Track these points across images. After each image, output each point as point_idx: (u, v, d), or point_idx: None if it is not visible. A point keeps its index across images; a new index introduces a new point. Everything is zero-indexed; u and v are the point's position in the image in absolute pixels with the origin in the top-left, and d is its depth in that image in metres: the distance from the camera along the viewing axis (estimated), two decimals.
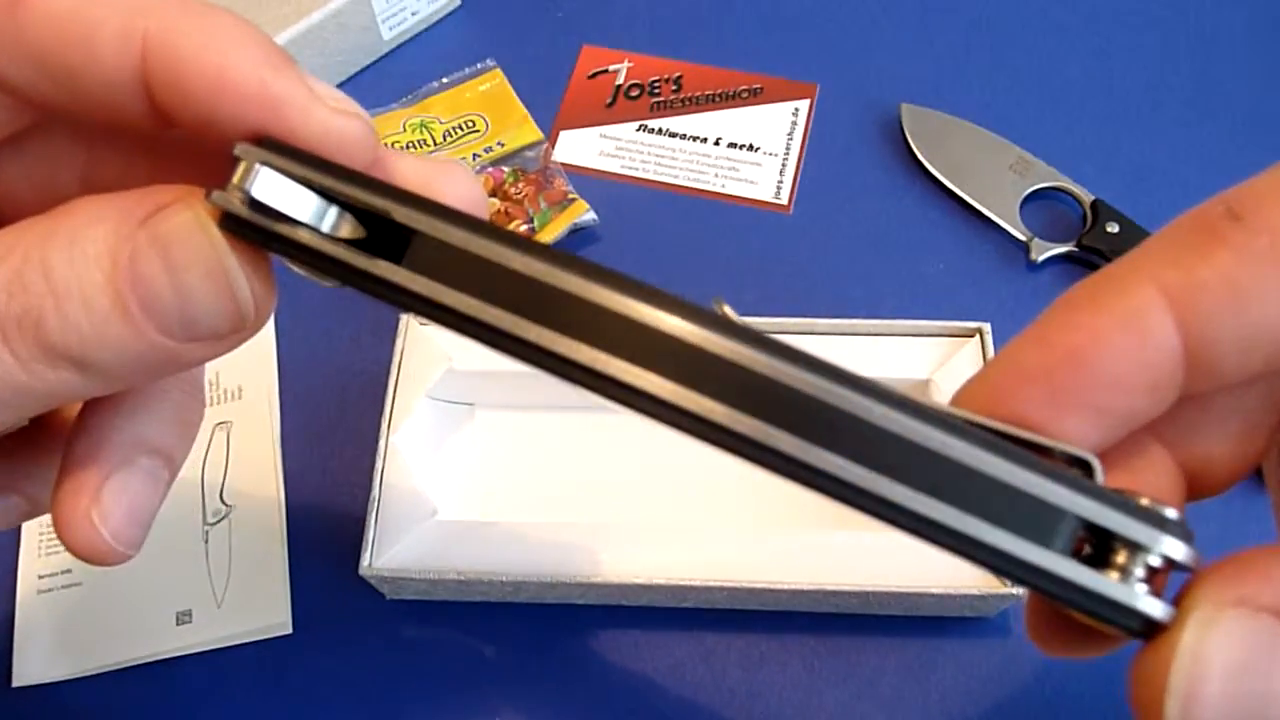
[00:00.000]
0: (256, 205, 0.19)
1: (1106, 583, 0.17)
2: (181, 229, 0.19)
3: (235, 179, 0.19)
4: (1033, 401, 0.18)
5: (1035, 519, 0.17)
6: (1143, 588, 0.17)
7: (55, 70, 0.19)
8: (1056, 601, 0.17)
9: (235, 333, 0.20)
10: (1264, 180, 0.17)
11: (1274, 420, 0.19)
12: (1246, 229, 0.17)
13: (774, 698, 0.38)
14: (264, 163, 0.18)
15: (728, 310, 0.17)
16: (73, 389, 0.20)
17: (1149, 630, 0.17)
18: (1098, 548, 0.17)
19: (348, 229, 0.19)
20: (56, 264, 0.19)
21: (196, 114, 0.19)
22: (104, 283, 0.19)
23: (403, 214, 0.18)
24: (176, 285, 0.19)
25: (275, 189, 0.18)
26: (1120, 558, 0.17)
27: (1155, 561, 0.17)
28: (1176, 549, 0.17)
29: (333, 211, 0.19)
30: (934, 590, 0.36)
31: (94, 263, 0.19)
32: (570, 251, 0.18)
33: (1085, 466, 0.18)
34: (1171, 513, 0.17)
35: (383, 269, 0.18)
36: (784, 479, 0.17)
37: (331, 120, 0.19)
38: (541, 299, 0.17)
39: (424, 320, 0.19)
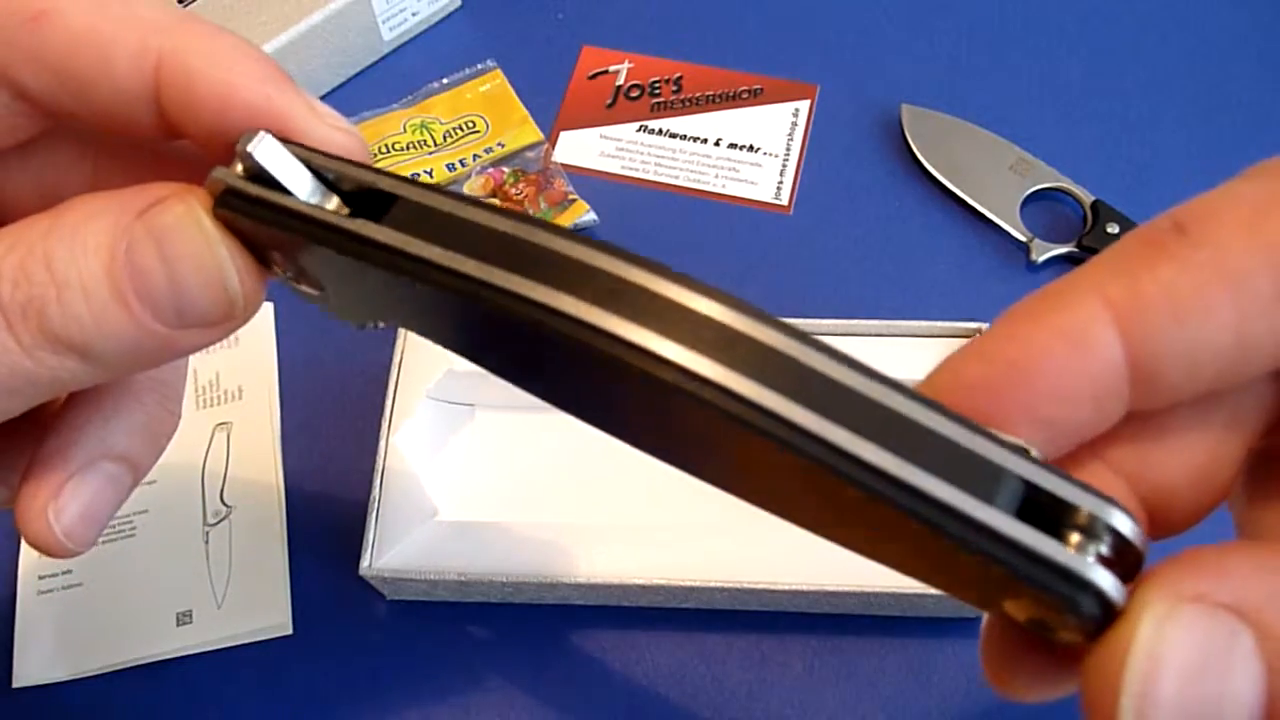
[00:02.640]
0: (256, 175, 0.20)
1: (1055, 546, 0.16)
2: (176, 221, 0.20)
3: (239, 148, 0.20)
4: (975, 413, 0.17)
5: (977, 475, 0.16)
6: (1093, 561, 0.16)
7: (72, 82, 0.20)
8: (1005, 571, 0.16)
9: (226, 321, 0.21)
10: (1213, 195, 0.17)
11: (1238, 452, 0.18)
12: (1190, 242, 0.16)
13: (774, 698, 0.38)
14: (268, 132, 0.20)
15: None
16: (75, 376, 0.21)
17: (1102, 617, 0.16)
18: (1045, 525, 0.16)
19: (335, 205, 0.20)
20: (58, 256, 0.20)
21: (204, 125, 0.20)
22: (103, 274, 0.20)
23: (387, 184, 0.19)
24: (171, 275, 0.20)
25: (275, 156, 0.20)
26: (1072, 538, 0.16)
27: (1103, 549, 0.16)
28: (1124, 523, 0.16)
29: (324, 192, 0.20)
30: (934, 590, 0.36)
31: (93, 254, 0.20)
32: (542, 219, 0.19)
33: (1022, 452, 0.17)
34: (1112, 497, 0.17)
35: (358, 225, 0.19)
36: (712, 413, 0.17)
37: (331, 135, 0.21)
38: (515, 253, 0.18)
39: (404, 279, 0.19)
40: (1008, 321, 0.18)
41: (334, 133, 0.21)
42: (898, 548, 0.18)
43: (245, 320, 0.21)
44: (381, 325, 0.23)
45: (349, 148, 0.21)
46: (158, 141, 0.22)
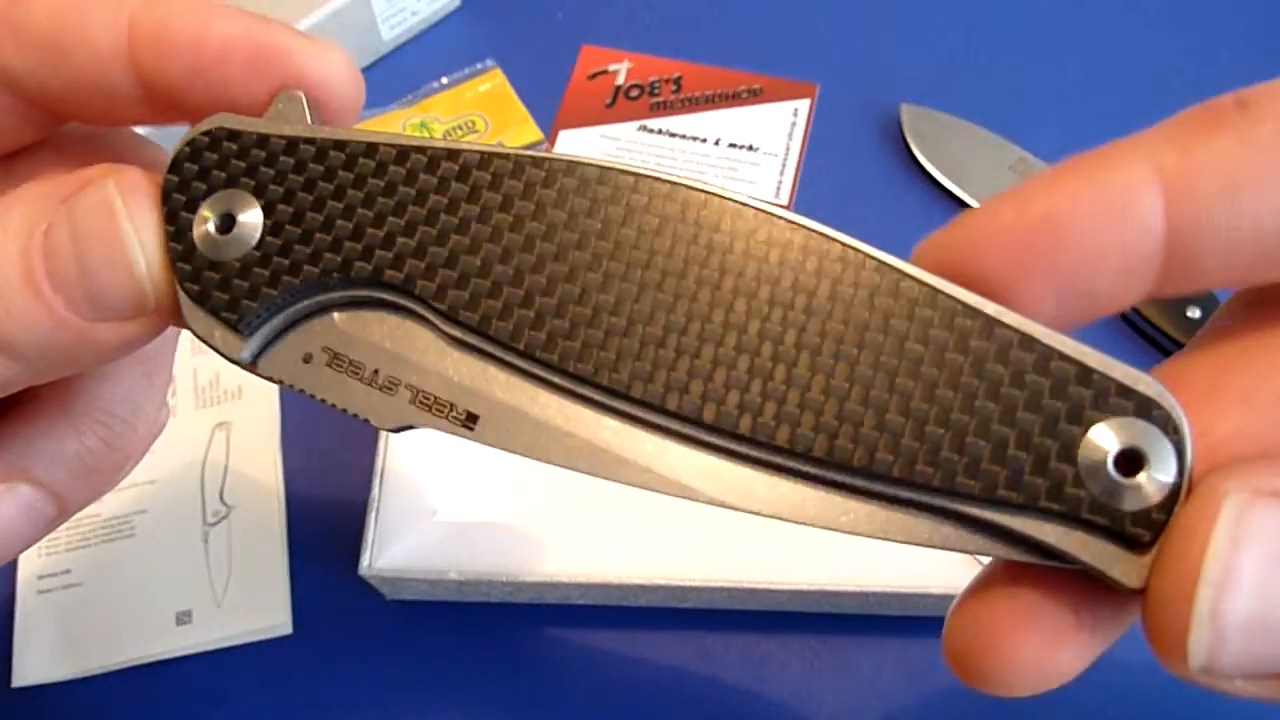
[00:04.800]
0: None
1: (1126, 368, 0.16)
2: (91, 197, 0.19)
3: (277, 98, 0.20)
4: (997, 261, 0.17)
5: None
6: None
7: (51, 53, 0.20)
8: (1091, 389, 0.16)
9: (139, 315, 0.20)
10: None
11: None
12: (1251, 117, 0.16)
13: (774, 698, 0.38)
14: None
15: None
16: (2, 375, 0.20)
17: (1170, 493, 0.15)
18: None
19: None
20: None
21: (182, 67, 0.20)
22: (17, 255, 0.19)
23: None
24: (79, 254, 0.19)
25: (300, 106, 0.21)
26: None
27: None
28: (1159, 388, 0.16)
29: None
30: (934, 590, 0.36)
31: (12, 236, 0.19)
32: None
33: None
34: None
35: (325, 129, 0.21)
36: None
37: (320, 51, 0.20)
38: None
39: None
40: (1051, 174, 0.17)
41: (324, 50, 0.20)
42: (945, 397, 0.17)
43: (160, 318, 0.20)
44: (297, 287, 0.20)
45: (339, 66, 0.21)
46: (141, 118, 0.21)
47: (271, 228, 0.20)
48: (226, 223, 0.20)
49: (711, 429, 0.17)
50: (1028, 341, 0.16)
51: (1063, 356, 0.16)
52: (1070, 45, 0.53)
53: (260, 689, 0.39)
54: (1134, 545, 0.16)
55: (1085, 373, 0.16)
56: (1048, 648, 0.17)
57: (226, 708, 0.39)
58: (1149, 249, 0.16)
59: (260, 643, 0.40)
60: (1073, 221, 0.16)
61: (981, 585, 0.18)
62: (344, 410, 0.20)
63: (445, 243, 0.19)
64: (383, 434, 0.39)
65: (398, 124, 0.52)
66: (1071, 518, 0.16)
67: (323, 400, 0.20)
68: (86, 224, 0.19)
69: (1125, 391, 0.16)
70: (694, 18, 0.56)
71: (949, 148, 0.50)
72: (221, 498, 0.42)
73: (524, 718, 0.38)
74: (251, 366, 0.20)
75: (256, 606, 0.40)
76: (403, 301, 0.19)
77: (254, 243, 0.20)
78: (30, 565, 0.41)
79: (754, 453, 0.17)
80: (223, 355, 0.20)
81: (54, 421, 0.23)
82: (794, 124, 0.52)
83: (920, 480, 0.16)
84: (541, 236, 0.18)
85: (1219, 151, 0.16)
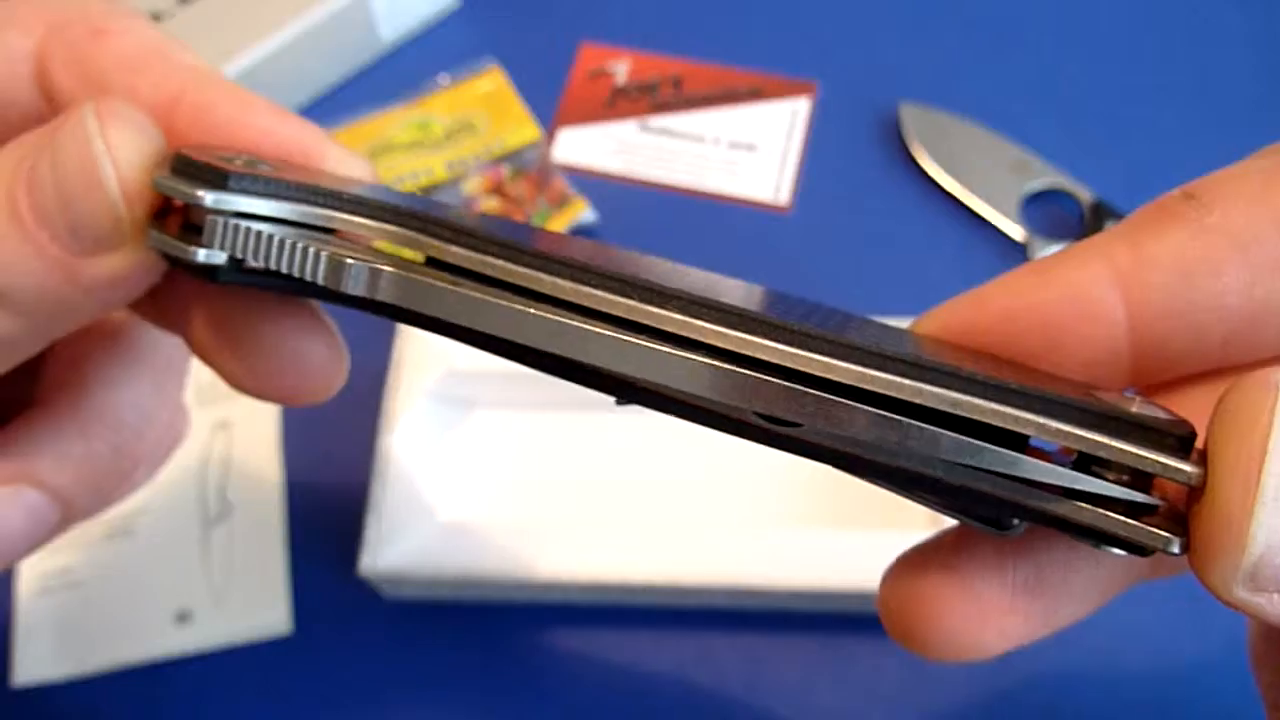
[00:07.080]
0: None
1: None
2: (70, 122, 0.19)
3: None
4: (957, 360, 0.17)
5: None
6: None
7: (95, 89, 0.21)
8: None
9: (117, 242, 0.19)
10: (1223, 171, 0.17)
11: None
12: (1199, 206, 0.17)
13: (774, 698, 0.38)
14: None
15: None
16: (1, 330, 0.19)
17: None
18: None
19: None
20: None
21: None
22: (3, 192, 0.19)
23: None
24: (58, 181, 0.19)
25: None
26: None
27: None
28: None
29: None
30: None
31: (0, 172, 0.19)
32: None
33: None
34: None
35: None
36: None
37: (345, 159, 0.21)
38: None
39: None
40: (1008, 276, 0.18)
41: (352, 159, 0.21)
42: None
43: (138, 255, 0.19)
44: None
45: (365, 174, 0.21)
46: None
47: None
48: (248, 163, 0.19)
49: (726, 314, 0.16)
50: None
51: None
52: (1070, 44, 0.53)
53: (260, 689, 0.39)
54: (1179, 448, 0.15)
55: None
56: (973, 622, 0.17)
57: (226, 707, 0.39)
58: (1112, 342, 0.17)
59: (260, 642, 0.40)
60: (1028, 318, 0.17)
61: (925, 549, 0.19)
62: (294, 248, 0.18)
63: (461, 223, 0.19)
64: (382, 433, 0.39)
65: (397, 123, 0.52)
66: (1116, 419, 0.15)
67: (270, 239, 0.18)
68: (64, 151, 0.19)
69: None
70: (694, 16, 0.56)
71: (949, 147, 0.50)
72: (222, 497, 0.42)
73: (524, 718, 0.38)
74: (206, 210, 0.18)
75: (256, 606, 0.40)
76: (408, 232, 0.19)
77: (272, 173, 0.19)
78: (30, 564, 0.41)
79: (748, 335, 0.16)
80: (179, 196, 0.18)
81: (61, 426, 0.23)
82: (793, 123, 0.52)
83: (956, 370, 0.15)
84: (551, 240, 0.19)
85: (1170, 242, 0.16)
